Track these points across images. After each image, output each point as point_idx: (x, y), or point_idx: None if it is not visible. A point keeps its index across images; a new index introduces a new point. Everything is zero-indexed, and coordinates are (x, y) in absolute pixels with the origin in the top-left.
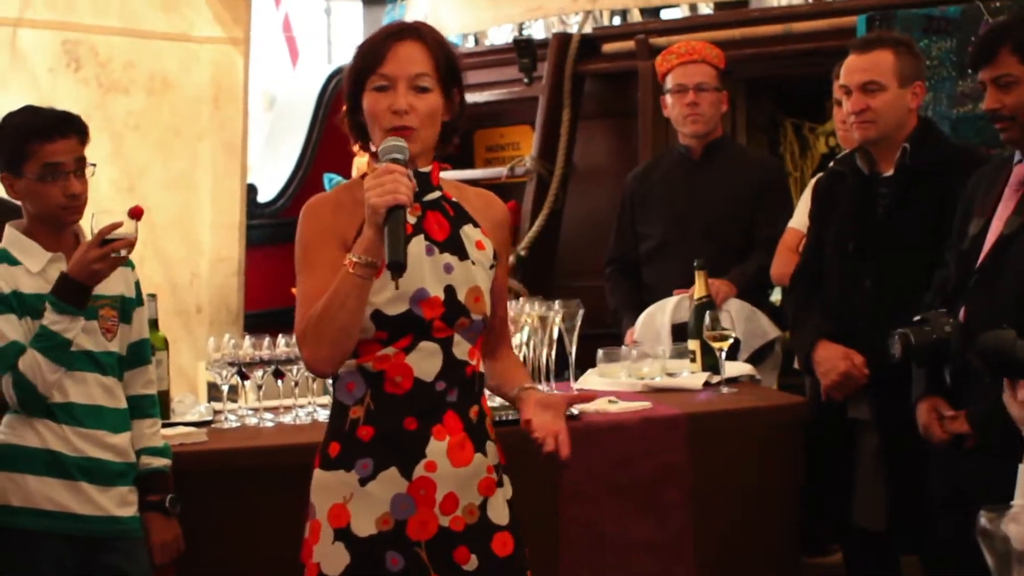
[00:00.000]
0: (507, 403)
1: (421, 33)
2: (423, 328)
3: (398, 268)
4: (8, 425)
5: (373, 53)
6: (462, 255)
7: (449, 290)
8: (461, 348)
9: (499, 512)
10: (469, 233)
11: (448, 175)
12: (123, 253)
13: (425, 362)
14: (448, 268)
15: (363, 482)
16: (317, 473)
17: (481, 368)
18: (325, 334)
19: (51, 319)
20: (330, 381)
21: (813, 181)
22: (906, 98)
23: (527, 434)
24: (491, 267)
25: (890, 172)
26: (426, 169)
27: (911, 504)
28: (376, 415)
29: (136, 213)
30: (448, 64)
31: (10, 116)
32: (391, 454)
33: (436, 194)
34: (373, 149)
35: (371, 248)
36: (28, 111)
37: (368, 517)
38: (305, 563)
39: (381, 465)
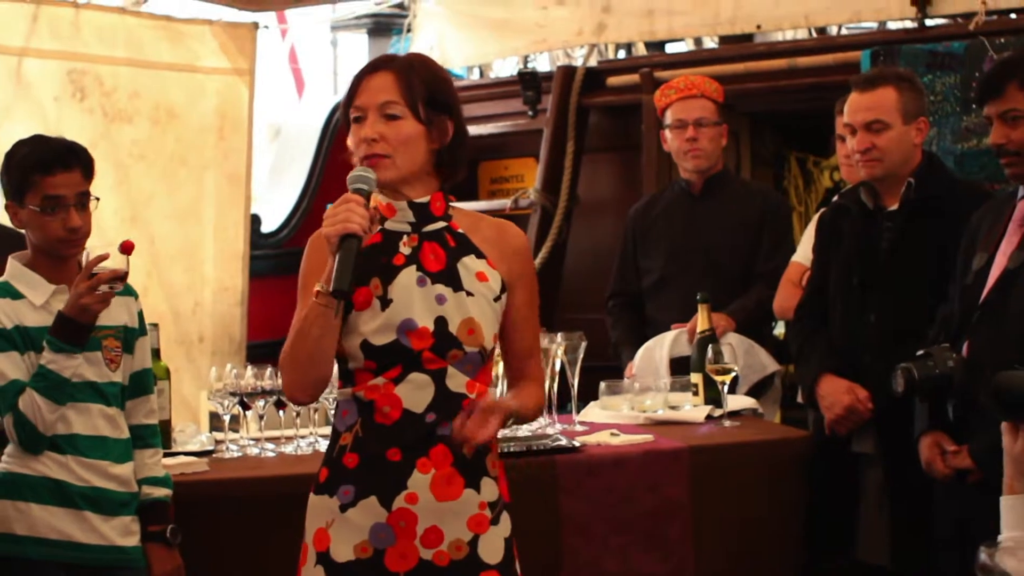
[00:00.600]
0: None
1: (395, 63)
2: (412, 359)
3: (341, 296)
4: (12, 454)
5: (350, 88)
6: (456, 286)
7: (440, 321)
8: (456, 380)
9: (491, 550)
10: (469, 264)
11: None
12: (115, 287)
13: (415, 393)
14: (440, 299)
15: (343, 508)
16: (311, 497)
17: None
18: (296, 360)
19: (48, 358)
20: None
21: (817, 216)
22: (910, 134)
23: (528, 467)
24: (496, 298)
25: (895, 206)
26: (423, 199)
27: (914, 539)
28: (363, 443)
29: (126, 248)
30: (428, 91)
31: (18, 145)
32: (372, 483)
33: (439, 224)
34: None
35: (327, 276)
36: (36, 141)
37: (347, 543)
38: None
39: (362, 493)
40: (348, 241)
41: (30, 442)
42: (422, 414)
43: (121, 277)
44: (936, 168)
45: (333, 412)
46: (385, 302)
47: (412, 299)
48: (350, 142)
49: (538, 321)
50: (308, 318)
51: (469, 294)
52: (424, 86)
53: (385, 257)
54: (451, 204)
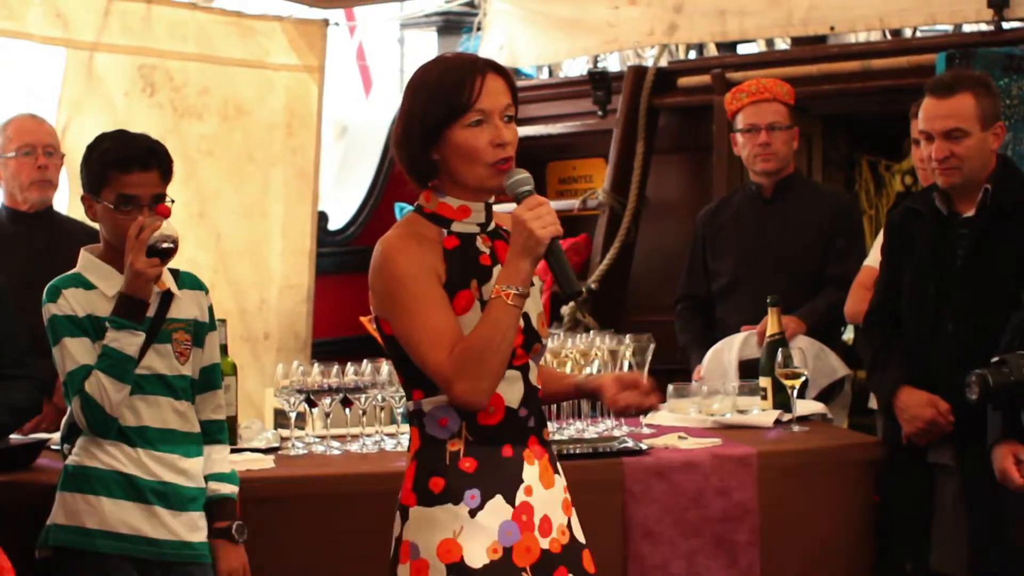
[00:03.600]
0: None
1: (496, 65)
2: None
3: (576, 295)
4: (83, 447)
5: (460, 89)
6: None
7: (525, 317)
8: (534, 374)
9: (579, 530)
10: None
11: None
12: (164, 247)
13: (511, 390)
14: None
15: (472, 513)
16: (416, 511)
17: None
18: (488, 367)
19: (110, 336)
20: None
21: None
22: (988, 140)
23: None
24: (540, 293)
25: (970, 213)
26: (490, 200)
27: (992, 549)
28: (475, 446)
29: (162, 211)
30: (517, 95)
31: (101, 138)
32: (495, 482)
33: (493, 224)
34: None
35: (527, 278)
36: (118, 136)
37: (480, 548)
38: None
39: (488, 495)
40: (556, 243)
41: (98, 424)
42: (517, 409)
43: (170, 238)
44: (1012, 173)
45: (417, 423)
46: (484, 303)
47: None
48: (465, 145)
49: None
50: (503, 322)
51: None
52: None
53: (472, 259)
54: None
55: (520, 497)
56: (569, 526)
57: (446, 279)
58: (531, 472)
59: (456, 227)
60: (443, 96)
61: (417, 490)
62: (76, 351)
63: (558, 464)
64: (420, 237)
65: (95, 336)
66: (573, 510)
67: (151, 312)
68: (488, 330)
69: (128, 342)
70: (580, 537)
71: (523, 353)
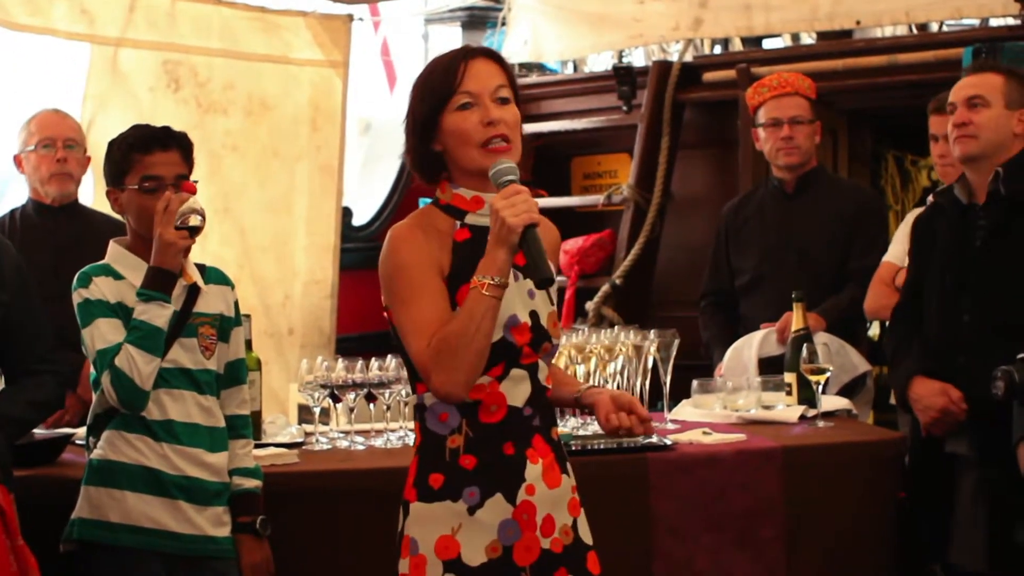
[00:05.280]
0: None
1: (483, 49)
2: (514, 355)
3: (548, 283)
4: (108, 441)
5: (446, 76)
6: None
7: (533, 315)
8: (543, 373)
9: (586, 531)
10: None
11: (544, 202)
12: (192, 222)
13: (516, 389)
14: (531, 294)
15: (471, 511)
16: (417, 507)
17: None
18: (463, 358)
19: (139, 309)
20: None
21: (910, 216)
22: (1011, 121)
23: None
24: (556, 290)
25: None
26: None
27: (1013, 543)
28: (475, 443)
29: (188, 188)
30: (514, 79)
31: (120, 134)
32: (495, 480)
33: None
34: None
35: (504, 268)
36: (136, 126)
37: (478, 546)
38: None
39: (487, 492)
40: (531, 230)
41: (129, 397)
42: (521, 408)
43: (197, 210)
44: None
45: (420, 416)
46: None
47: (512, 295)
48: (455, 129)
49: None
50: (478, 312)
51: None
52: (511, 73)
53: (481, 252)
54: None
55: (522, 496)
56: (574, 527)
57: (449, 272)
58: (533, 471)
59: (470, 219)
60: (431, 86)
61: (418, 486)
62: (107, 331)
63: (567, 464)
64: (429, 228)
65: (123, 320)
66: (582, 511)
67: (177, 307)
68: (463, 321)
69: (157, 314)
70: (586, 539)
71: (531, 352)
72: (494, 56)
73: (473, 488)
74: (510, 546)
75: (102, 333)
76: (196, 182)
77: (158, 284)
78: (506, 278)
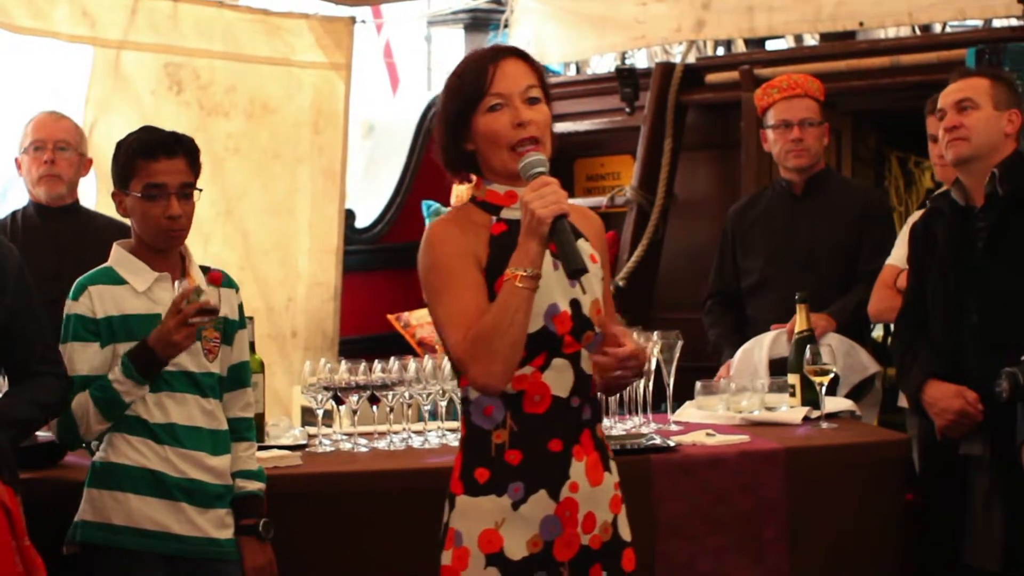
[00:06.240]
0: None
1: (513, 49)
2: (556, 344)
3: (580, 273)
4: (110, 443)
5: (477, 78)
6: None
7: (575, 304)
8: (588, 362)
9: (626, 528)
10: (583, 247)
11: None
12: (203, 322)
13: (559, 379)
14: (572, 282)
15: (515, 506)
16: (463, 500)
17: None
18: (498, 351)
19: (117, 376)
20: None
21: (910, 221)
22: (1001, 122)
23: (622, 466)
24: (601, 279)
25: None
26: None
27: None
28: (520, 437)
29: (214, 279)
30: (543, 78)
31: (128, 135)
32: (540, 477)
33: None
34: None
35: (536, 260)
36: (143, 129)
37: (520, 540)
38: None
39: (532, 488)
40: (561, 221)
41: (68, 437)
42: (567, 398)
43: (211, 311)
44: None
45: (466, 410)
46: None
47: (552, 284)
48: (486, 131)
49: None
50: (511, 305)
51: (591, 275)
52: (541, 73)
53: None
54: None
55: (565, 493)
56: (614, 523)
57: (487, 264)
58: (578, 468)
59: (505, 213)
60: (462, 88)
61: (463, 479)
62: (78, 358)
63: (611, 461)
64: (466, 223)
65: (107, 339)
66: (623, 507)
67: None
68: (498, 313)
69: (130, 392)
70: (625, 535)
71: (572, 341)
72: (524, 56)
73: (518, 483)
74: (551, 541)
75: (71, 359)
76: (200, 191)
77: (145, 368)
78: (539, 269)
